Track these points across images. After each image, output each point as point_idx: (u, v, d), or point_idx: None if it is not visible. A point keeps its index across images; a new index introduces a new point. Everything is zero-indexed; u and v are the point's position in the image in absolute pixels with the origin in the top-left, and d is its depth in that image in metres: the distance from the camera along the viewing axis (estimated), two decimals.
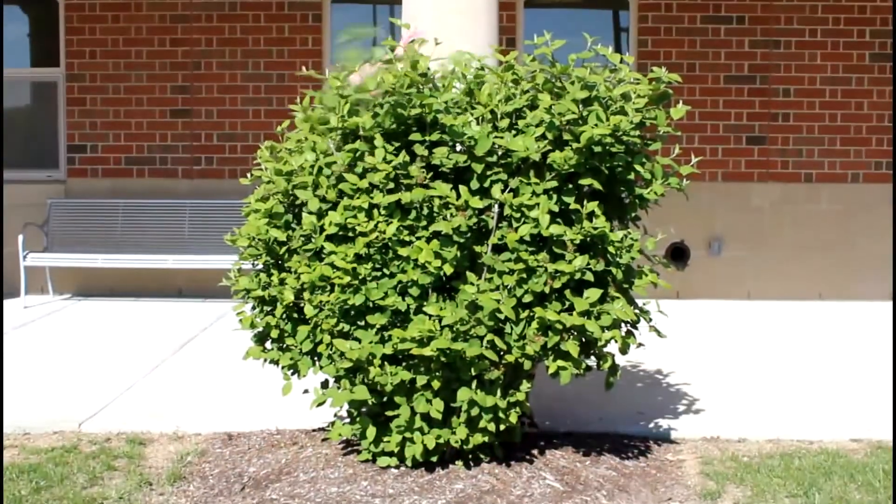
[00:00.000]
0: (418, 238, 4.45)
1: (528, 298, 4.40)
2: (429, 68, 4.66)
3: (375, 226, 4.44)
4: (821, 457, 5.05)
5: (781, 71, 9.90)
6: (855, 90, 9.93)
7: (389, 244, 4.45)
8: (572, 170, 4.46)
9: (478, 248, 4.45)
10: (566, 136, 4.49)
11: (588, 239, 4.47)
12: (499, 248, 4.50)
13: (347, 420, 4.88)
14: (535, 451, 4.92)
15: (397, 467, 4.64)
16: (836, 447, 5.24)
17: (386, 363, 4.45)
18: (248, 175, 4.96)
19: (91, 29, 10.04)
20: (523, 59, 4.80)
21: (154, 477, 4.78)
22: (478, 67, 4.76)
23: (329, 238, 4.55)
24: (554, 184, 4.46)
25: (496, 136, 4.49)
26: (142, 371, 6.75)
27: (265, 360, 4.85)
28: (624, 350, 4.66)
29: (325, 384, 4.85)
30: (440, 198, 4.41)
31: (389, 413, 4.57)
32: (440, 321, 4.36)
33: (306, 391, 5.03)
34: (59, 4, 10.13)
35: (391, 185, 4.47)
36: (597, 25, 10.38)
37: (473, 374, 4.41)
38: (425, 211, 4.45)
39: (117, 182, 10.08)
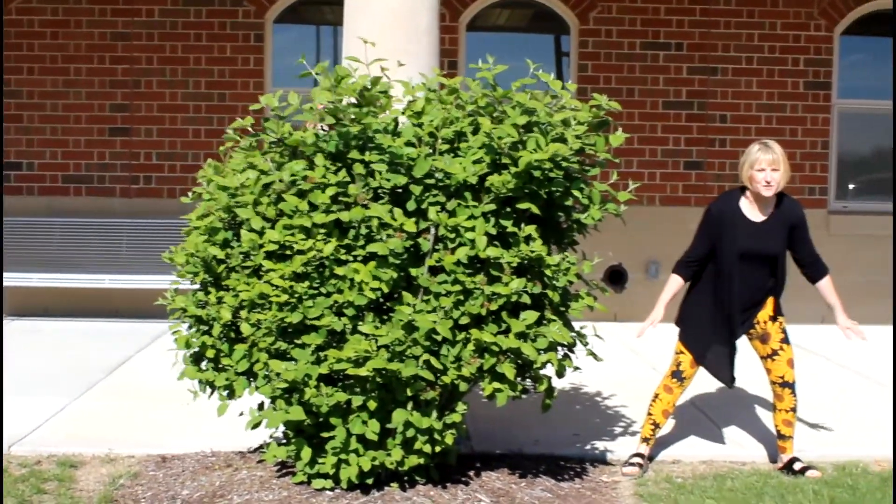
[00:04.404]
0: (355, 258, 4.45)
1: (464, 320, 4.41)
2: (367, 88, 4.65)
3: (313, 245, 4.43)
4: (753, 477, 5.13)
5: (718, 97, 10.09)
6: (790, 117, 10.15)
7: (326, 263, 4.44)
8: (510, 193, 4.49)
9: (414, 271, 4.45)
10: (505, 160, 4.51)
11: (525, 262, 4.49)
12: (436, 270, 4.51)
13: (283, 441, 4.85)
14: (471, 473, 4.92)
15: (332, 489, 4.61)
16: (769, 468, 5.31)
17: (322, 384, 4.43)
18: (190, 193, 4.93)
19: (29, 45, 9.92)
20: (466, 83, 4.82)
21: (85, 500, 4.70)
22: (421, 89, 4.78)
23: (268, 256, 4.53)
24: (492, 207, 4.47)
25: (435, 159, 4.51)
26: (74, 392, 6.64)
27: (201, 382, 4.80)
28: (560, 373, 4.68)
29: (260, 406, 4.82)
30: (378, 218, 4.41)
31: (325, 434, 4.54)
32: (376, 341, 4.36)
33: (241, 413, 4.99)
34: None
35: (331, 206, 4.47)
36: (538, 50, 10.48)
37: (409, 394, 4.40)
38: (363, 231, 4.45)
39: (54, 200, 9.95)
